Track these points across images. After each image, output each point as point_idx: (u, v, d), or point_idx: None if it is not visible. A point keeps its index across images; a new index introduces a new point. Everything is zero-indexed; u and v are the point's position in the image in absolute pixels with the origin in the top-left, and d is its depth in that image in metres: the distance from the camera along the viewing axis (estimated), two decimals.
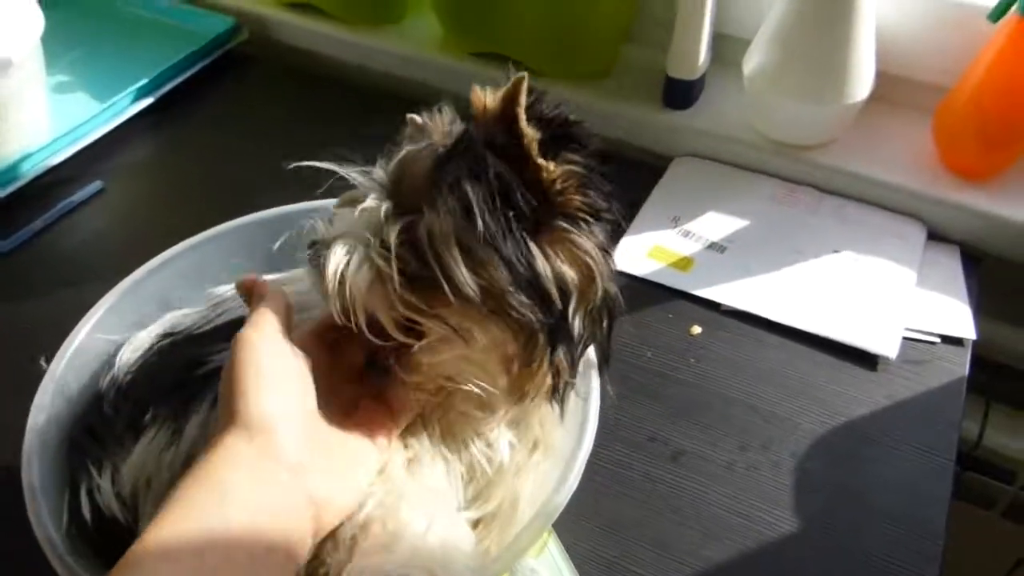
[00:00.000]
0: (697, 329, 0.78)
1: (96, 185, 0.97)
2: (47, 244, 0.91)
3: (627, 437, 0.69)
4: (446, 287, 0.43)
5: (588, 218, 0.46)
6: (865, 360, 0.75)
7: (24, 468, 0.49)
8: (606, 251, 0.47)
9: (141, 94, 1.05)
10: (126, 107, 1.04)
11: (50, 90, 1.04)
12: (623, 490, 0.66)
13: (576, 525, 0.63)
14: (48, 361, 0.55)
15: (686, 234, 0.88)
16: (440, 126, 0.49)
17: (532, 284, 0.44)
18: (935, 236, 0.87)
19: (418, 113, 0.51)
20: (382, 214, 0.45)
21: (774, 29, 0.88)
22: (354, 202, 0.47)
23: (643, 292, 0.81)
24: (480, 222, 0.42)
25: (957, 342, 0.77)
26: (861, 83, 0.87)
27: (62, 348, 0.55)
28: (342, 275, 0.44)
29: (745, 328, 0.78)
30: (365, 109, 1.06)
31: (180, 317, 0.58)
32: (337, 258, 0.44)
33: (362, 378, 0.52)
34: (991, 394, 0.93)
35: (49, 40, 0.97)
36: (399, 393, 0.49)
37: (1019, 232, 0.83)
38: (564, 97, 0.94)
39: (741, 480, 0.67)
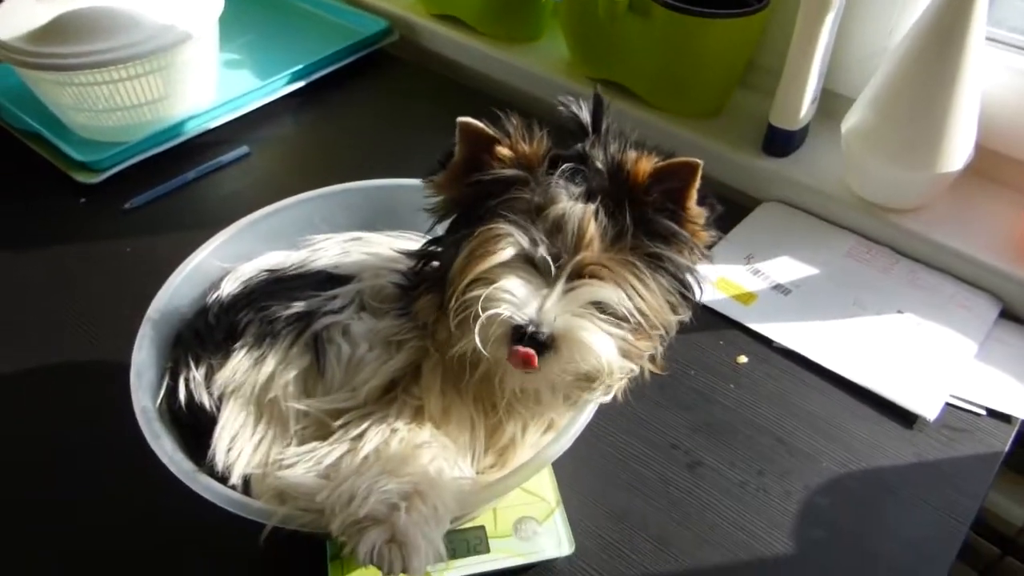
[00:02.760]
0: (744, 359, 0.82)
1: (243, 150, 1.11)
2: (196, 193, 1.05)
3: (651, 439, 0.75)
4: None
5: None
6: (903, 418, 0.77)
7: (135, 349, 0.61)
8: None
9: (295, 77, 1.20)
10: (280, 87, 1.19)
11: (221, 64, 1.20)
12: (636, 485, 0.71)
13: (585, 505, 0.69)
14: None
15: (755, 272, 0.92)
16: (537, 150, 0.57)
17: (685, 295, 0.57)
18: (1010, 316, 0.87)
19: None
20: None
21: (876, 91, 0.91)
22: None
23: (701, 317, 0.84)
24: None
25: (1004, 418, 0.77)
26: (956, 155, 0.89)
27: (182, 265, 0.67)
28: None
29: (791, 367, 0.82)
30: (488, 117, 1.16)
31: (280, 257, 0.69)
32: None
33: None
34: None
35: (227, 23, 1.13)
36: None
37: None
38: (671, 132, 1.02)
39: (751, 499, 0.70)
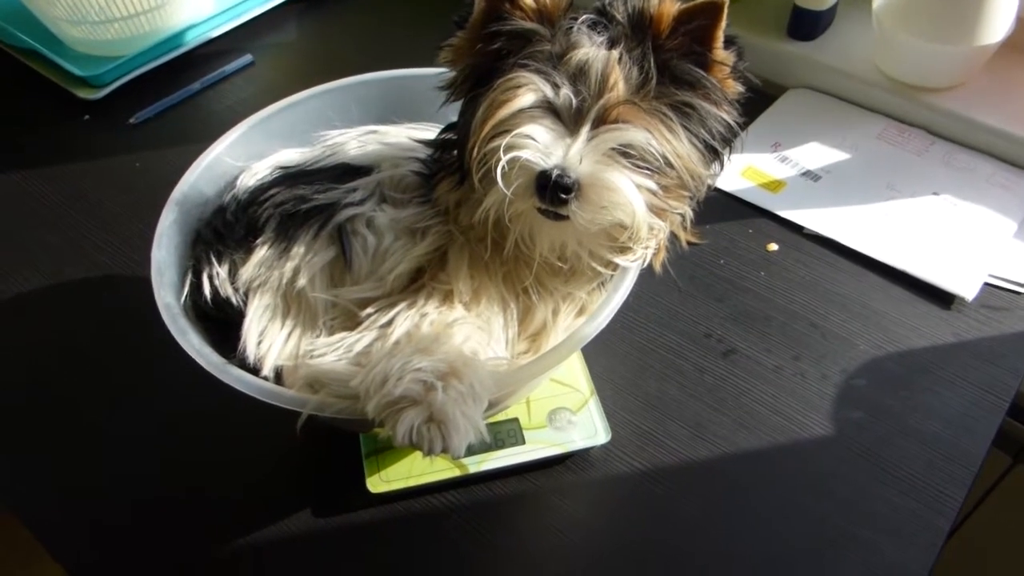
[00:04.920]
0: (774, 246, 0.80)
1: (247, 58, 1.07)
2: (201, 104, 1.02)
3: (685, 330, 0.73)
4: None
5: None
6: (940, 298, 0.75)
7: (154, 247, 0.59)
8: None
9: None
10: None
11: None
12: (671, 374, 0.70)
13: (619, 396, 0.68)
14: None
15: (783, 159, 0.89)
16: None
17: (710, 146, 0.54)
18: None
19: None
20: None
21: None
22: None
23: (728, 206, 0.84)
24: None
25: None
26: (995, 26, 0.84)
27: (196, 161, 0.65)
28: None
29: (823, 252, 0.80)
30: None
31: (293, 154, 0.67)
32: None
33: None
34: None
35: None
36: None
37: None
38: None
39: (786, 383, 0.69)
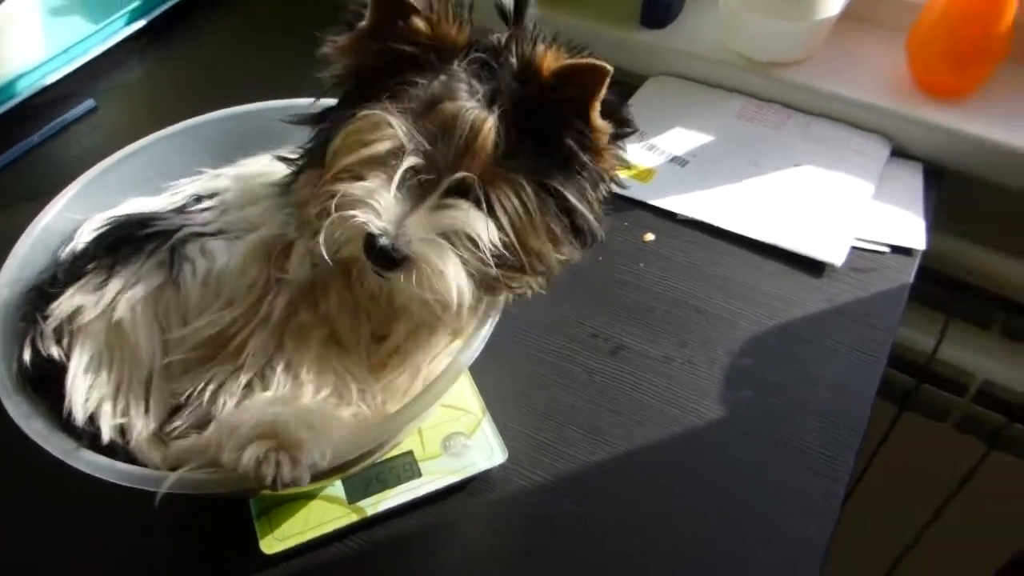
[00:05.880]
0: (650, 236, 0.81)
1: (89, 104, 1.01)
2: (42, 158, 0.95)
3: (570, 332, 0.73)
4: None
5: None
6: (812, 268, 0.78)
7: None
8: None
9: (134, 17, 1.09)
10: (119, 29, 1.08)
11: (46, 12, 1.07)
12: (561, 380, 0.69)
13: (512, 410, 0.67)
14: None
15: (651, 148, 0.90)
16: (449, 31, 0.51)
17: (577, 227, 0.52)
18: (901, 153, 0.88)
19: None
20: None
21: None
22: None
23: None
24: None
25: (906, 252, 0.79)
26: (832, 0, 0.87)
27: (29, 228, 0.60)
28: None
29: (698, 236, 0.81)
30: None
31: (140, 203, 0.62)
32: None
33: None
34: (951, 311, 0.94)
35: None
36: None
37: (981, 147, 0.83)
38: (540, 17, 0.96)
39: (676, 374, 0.70)
